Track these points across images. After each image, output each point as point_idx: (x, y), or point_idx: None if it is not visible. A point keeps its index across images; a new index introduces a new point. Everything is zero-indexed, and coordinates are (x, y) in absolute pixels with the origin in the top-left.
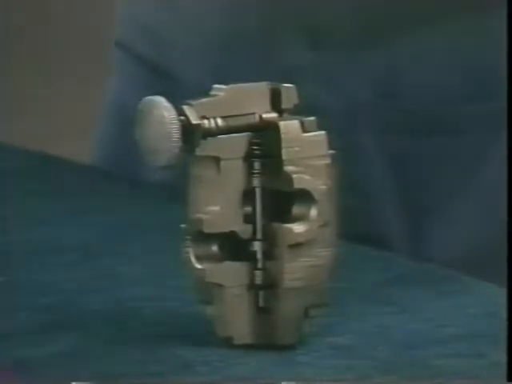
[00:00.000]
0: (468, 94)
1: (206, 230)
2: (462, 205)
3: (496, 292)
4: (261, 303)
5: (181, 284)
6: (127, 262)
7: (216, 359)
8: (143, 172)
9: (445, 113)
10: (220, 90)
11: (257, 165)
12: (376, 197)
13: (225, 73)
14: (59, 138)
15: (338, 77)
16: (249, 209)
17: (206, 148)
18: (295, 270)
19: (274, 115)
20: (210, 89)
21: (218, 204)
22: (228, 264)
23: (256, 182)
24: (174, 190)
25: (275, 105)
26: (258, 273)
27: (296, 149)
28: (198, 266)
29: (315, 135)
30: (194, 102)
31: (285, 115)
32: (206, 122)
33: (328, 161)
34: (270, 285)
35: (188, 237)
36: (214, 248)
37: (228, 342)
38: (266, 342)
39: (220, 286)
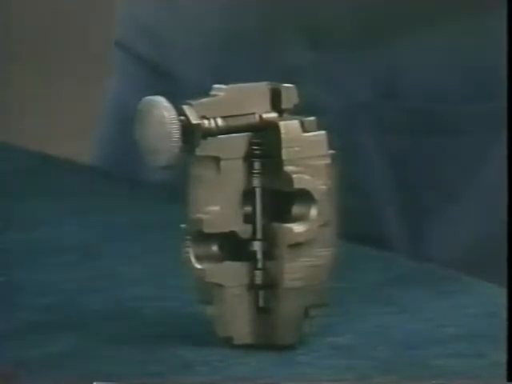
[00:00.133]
0: (468, 93)
1: (206, 230)
2: (462, 205)
3: (496, 292)
4: (261, 303)
5: (181, 284)
6: (127, 261)
7: (216, 359)
8: (143, 172)
9: (445, 113)
10: (220, 89)
11: (257, 165)
12: (376, 197)
13: (225, 73)
14: (59, 138)
15: (338, 77)
16: (249, 209)
17: (206, 148)
18: (295, 270)
19: (274, 115)
20: (210, 89)
21: (218, 204)
22: (228, 264)
23: (256, 182)
24: (173, 189)
25: (275, 105)
26: (257, 273)
27: (296, 149)
28: (198, 266)
29: (315, 135)
30: (194, 102)
31: (285, 115)
32: (205, 122)
33: (328, 161)
34: (270, 285)
35: (188, 237)
36: (214, 248)
37: (228, 342)
38: (266, 342)
39: (220, 286)
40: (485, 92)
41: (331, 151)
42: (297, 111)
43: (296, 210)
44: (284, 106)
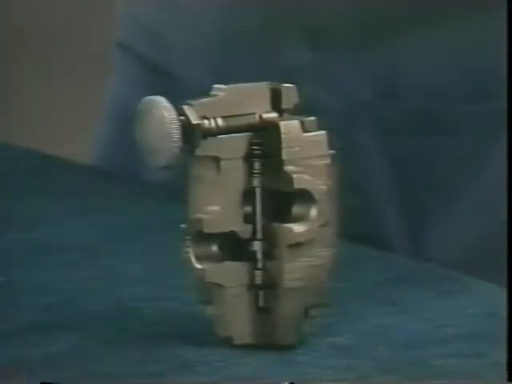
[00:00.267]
0: (468, 93)
1: (206, 230)
2: (462, 205)
3: (496, 292)
4: (261, 303)
5: (181, 284)
6: (127, 261)
7: (216, 359)
8: (143, 172)
9: (445, 113)
10: (220, 89)
11: (257, 165)
12: (376, 197)
13: (225, 73)
14: (59, 138)
15: (338, 77)
16: (249, 209)
17: (206, 148)
18: (295, 270)
19: (274, 115)
20: (210, 89)
21: (218, 204)
22: (228, 264)
23: (256, 182)
24: (174, 189)
25: (275, 105)
26: (257, 273)
27: (296, 149)
28: (198, 266)
29: (315, 135)
30: (194, 102)
31: (285, 115)
32: (206, 121)
33: (328, 161)
34: (270, 285)
35: (188, 237)
36: (214, 248)
37: (228, 342)
38: (266, 342)
39: (220, 286)
40: (485, 92)
41: (331, 151)
42: (297, 111)
43: (296, 210)
44: (284, 105)
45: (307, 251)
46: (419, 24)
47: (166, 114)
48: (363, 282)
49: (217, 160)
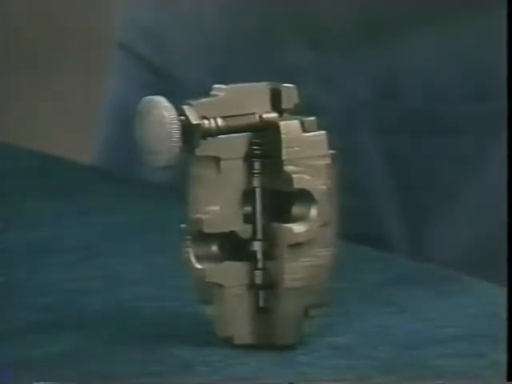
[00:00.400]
0: (468, 93)
1: (206, 230)
2: (462, 205)
3: (496, 292)
4: (261, 303)
5: (181, 284)
6: (127, 262)
7: (216, 359)
8: (143, 172)
9: (445, 113)
10: (220, 89)
11: (257, 165)
12: (376, 197)
13: (225, 73)
14: (59, 138)
15: (338, 77)
16: (249, 209)
17: (206, 148)
18: (295, 270)
19: (274, 115)
20: (210, 89)
21: (218, 204)
22: (228, 264)
23: (256, 182)
24: (174, 189)
25: (275, 105)
26: (258, 273)
27: (296, 149)
28: (198, 266)
29: (315, 135)
30: (194, 102)
31: (285, 115)
32: (206, 121)
33: (328, 161)
34: (270, 285)
35: (188, 237)
36: (214, 248)
37: (228, 342)
38: (266, 342)
39: (220, 285)
40: (485, 92)
41: (331, 151)
42: (297, 111)
43: (296, 210)
44: (284, 106)
45: (307, 251)
46: (419, 24)
47: (166, 113)
48: (363, 282)
49: (217, 160)
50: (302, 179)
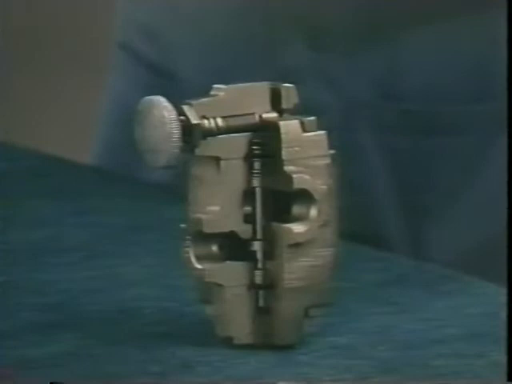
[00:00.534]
0: (468, 94)
1: (206, 230)
2: (462, 205)
3: (496, 292)
4: (261, 303)
5: (181, 284)
6: (127, 262)
7: (216, 359)
8: (143, 172)
9: (445, 113)
10: (220, 89)
11: (257, 165)
12: (376, 197)
13: (225, 73)
14: (59, 138)
15: (338, 77)
16: (249, 209)
17: (206, 148)
18: (295, 270)
19: (274, 115)
20: (210, 89)
21: (218, 204)
22: (228, 264)
23: (256, 182)
24: (174, 189)
25: (275, 105)
26: (257, 273)
27: (296, 149)
28: (198, 266)
29: (315, 135)
30: (194, 102)
31: (285, 115)
32: (205, 121)
33: (328, 161)
34: (270, 285)
35: (188, 237)
36: (214, 248)
37: (228, 342)
38: (266, 342)
39: (220, 285)
40: (485, 92)
41: (331, 151)
42: (297, 111)
43: (296, 210)
44: (284, 105)
45: (307, 251)
46: (419, 24)
47: (166, 114)
48: (363, 282)
49: (217, 160)
50: (302, 179)
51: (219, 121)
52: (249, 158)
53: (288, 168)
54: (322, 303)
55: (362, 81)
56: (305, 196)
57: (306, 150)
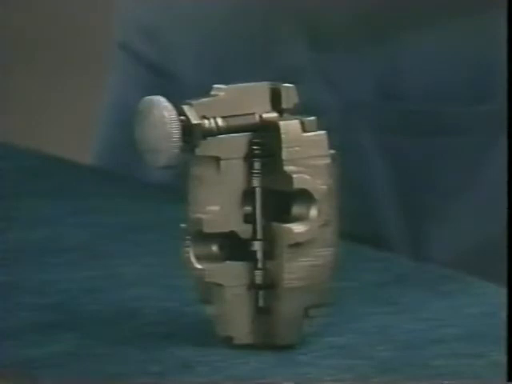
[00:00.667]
0: (468, 94)
1: (206, 230)
2: (462, 205)
3: (496, 292)
4: (261, 303)
5: (181, 284)
6: (127, 262)
7: (216, 359)
8: (143, 172)
9: (445, 113)
10: (220, 89)
11: (257, 165)
12: (376, 197)
13: (225, 73)
14: (59, 138)
15: (338, 77)
16: (249, 209)
17: (206, 148)
18: (295, 270)
19: (274, 115)
20: (210, 89)
21: (218, 204)
22: (228, 264)
23: (256, 181)
24: (174, 190)
25: (275, 105)
26: (258, 273)
27: (296, 149)
28: (198, 266)
29: (315, 135)
30: (194, 102)
31: (285, 115)
32: (206, 121)
33: (328, 161)
34: (270, 285)
35: (188, 237)
36: (214, 248)
37: (228, 342)
38: (266, 342)
39: (220, 285)
40: (485, 92)
41: (331, 151)
42: (297, 111)
43: (296, 210)
44: (284, 105)
45: (307, 251)
46: (419, 24)
47: (166, 113)
48: (363, 282)
49: (217, 160)
50: (302, 179)
51: (219, 121)
52: (249, 157)
53: (288, 168)
54: (321, 303)
55: (363, 81)
56: (305, 196)
57: (306, 150)
